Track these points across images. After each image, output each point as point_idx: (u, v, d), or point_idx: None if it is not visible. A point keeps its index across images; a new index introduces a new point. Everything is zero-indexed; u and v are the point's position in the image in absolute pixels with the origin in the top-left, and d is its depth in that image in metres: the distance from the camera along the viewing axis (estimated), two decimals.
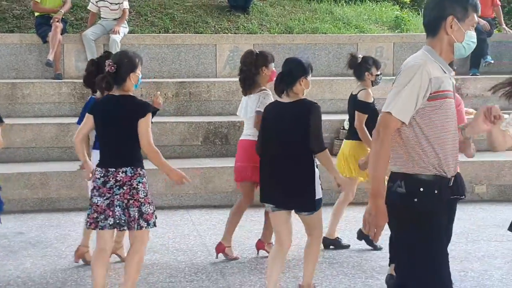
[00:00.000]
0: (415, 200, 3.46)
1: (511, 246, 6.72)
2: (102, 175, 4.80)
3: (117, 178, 4.76)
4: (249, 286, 5.61)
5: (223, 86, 10.23)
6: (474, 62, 11.33)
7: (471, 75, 11.17)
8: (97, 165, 4.88)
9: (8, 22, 11.51)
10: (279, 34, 11.81)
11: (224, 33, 11.86)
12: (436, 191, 3.47)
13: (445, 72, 3.54)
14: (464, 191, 3.72)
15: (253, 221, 7.57)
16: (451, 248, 3.76)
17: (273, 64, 6.18)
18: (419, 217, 3.46)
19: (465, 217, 7.69)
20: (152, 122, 4.91)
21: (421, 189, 3.47)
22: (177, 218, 7.87)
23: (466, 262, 6.19)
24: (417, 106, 3.45)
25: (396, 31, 12.91)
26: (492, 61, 11.39)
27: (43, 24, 10.32)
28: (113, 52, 10.18)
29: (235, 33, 11.85)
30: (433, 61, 3.52)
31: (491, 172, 8.97)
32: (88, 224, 4.86)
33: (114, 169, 4.77)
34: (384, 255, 6.19)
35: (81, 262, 6.10)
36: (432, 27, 3.57)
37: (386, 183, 3.59)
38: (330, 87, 10.53)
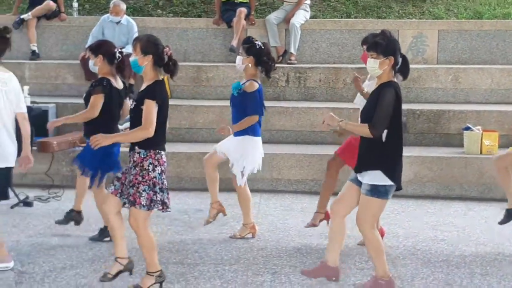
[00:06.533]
0: None
1: None
2: (165, 158, 5.03)
3: None
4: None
5: None
6: None
7: None
8: (162, 149, 5.00)
9: (196, 7, 12.00)
10: (467, 20, 11.29)
11: (408, 18, 11.54)
12: None
13: None
14: None
15: (429, 213, 7.40)
16: None
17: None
18: None
19: None
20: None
21: None
22: None
23: None
24: None
25: None
26: None
27: (228, 10, 10.62)
28: (296, 35, 10.31)
29: (419, 19, 11.50)
30: None
31: None
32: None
33: None
34: None
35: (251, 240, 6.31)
36: None
37: None
38: None
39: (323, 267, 5.22)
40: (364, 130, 4.81)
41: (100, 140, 4.89)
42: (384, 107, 4.78)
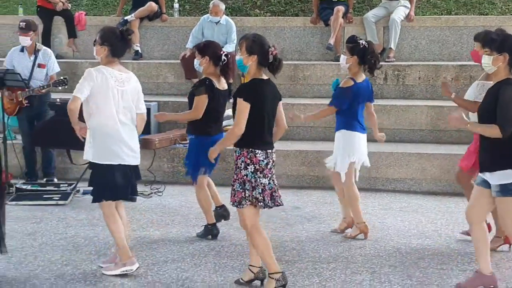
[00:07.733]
0: None
1: None
2: (264, 157, 4.94)
3: (273, 158, 5.01)
4: None
5: None
6: None
7: None
8: (258, 148, 4.94)
9: (294, 6, 12.04)
10: None
11: (511, 14, 11.17)
12: None
13: None
14: None
15: None
16: None
17: None
18: None
19: None
20: None
21: None
22: (451, 205, 7.63)
23: None
24: None
25: None
26: None
27: (325, 8, 10.59)
28: (396, 31, 10.16)
29: None
30: None
31: None
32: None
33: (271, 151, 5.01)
34: None
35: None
36: None
37: None
38: None
39: (478, 277, 5.04)
40: (494, 131, 4.74)
41: (211, 154, 5.15)
42: (507, 106, 4.73)
